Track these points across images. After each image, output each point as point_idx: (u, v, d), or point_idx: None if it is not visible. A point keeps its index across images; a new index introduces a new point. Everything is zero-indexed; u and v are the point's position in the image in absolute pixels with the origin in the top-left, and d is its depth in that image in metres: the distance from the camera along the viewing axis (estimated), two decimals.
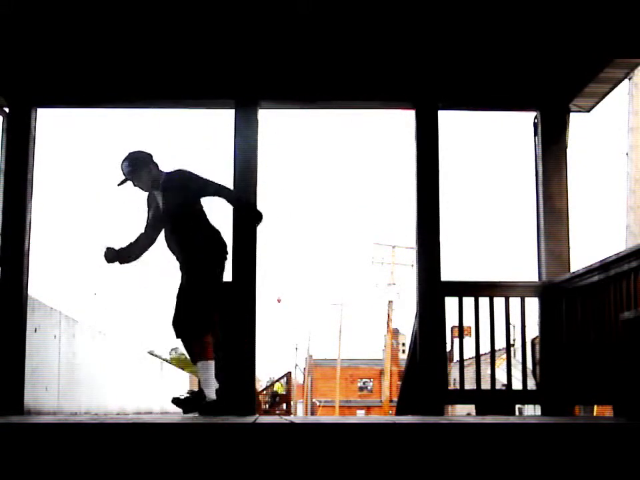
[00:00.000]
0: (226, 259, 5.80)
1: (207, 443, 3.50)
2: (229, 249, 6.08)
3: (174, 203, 5.71)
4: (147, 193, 5.94)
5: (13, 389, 6.31)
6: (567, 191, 6.74)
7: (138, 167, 5.76)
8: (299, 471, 3.48)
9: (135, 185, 5.84)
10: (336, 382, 47.22)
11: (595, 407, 14.87)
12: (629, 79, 12.22)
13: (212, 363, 5.55)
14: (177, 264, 5.85)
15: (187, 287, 5.64)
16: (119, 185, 5.81)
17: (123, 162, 5.82)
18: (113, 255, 5.77)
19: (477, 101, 6.93)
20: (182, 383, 24.66)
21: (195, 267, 5.65)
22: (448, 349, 7.07)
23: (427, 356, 6.49)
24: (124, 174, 5.80)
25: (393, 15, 6.22)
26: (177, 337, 5.66)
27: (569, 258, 6.64)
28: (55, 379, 9.94)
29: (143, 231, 5.96)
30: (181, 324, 5.62)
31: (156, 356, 29.71)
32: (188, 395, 5.54)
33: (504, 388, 6.80)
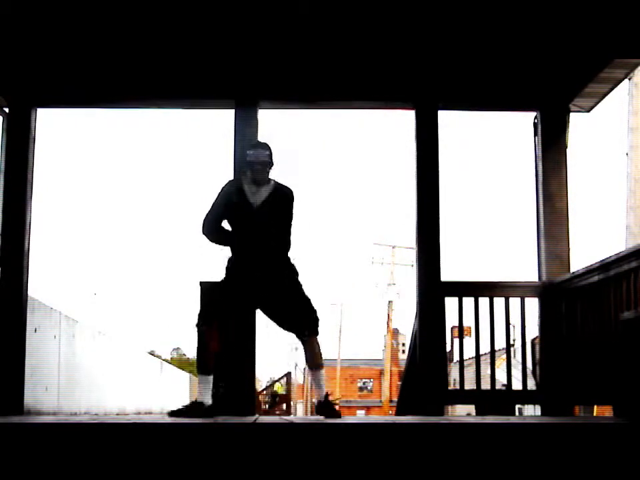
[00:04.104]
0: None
1: (207, 443, 3.50)
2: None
3: (273, 208, 5.50)
4: (230, 186, 5.61)
5: (13, 389, 6.31)
6: (566, 191, 6.73)
7: (271, 159, 5.53)
8: (299, 471, 3.48)
9: (253, 173, 5.50)
10: (336, 382, 47.22)
11: (595, 406, 14.86)
12: (629, 79, 12.20)
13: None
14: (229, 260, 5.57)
15: (271, 285, 5.43)
16: (246, 169, 5.53)
17: (257, 148, 5.53)
18: None
19: (477, 101, 6.93)
20: (182, 383, 24.67)
21: (274, 266, 5.47)
22: (448, 349, 7.07)
23: (427, 356, 6.49)
24: (256, 160, 5.46)
25: (393, 16, 6.22)
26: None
27: (568, 258, 6.63)
28: (54, 379, 9.95)
29: (216, 219, 5.59)
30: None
31: (156, 356, 29.73)
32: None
33: (504, 388, 6.80)
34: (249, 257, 5.48)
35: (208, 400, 5.35)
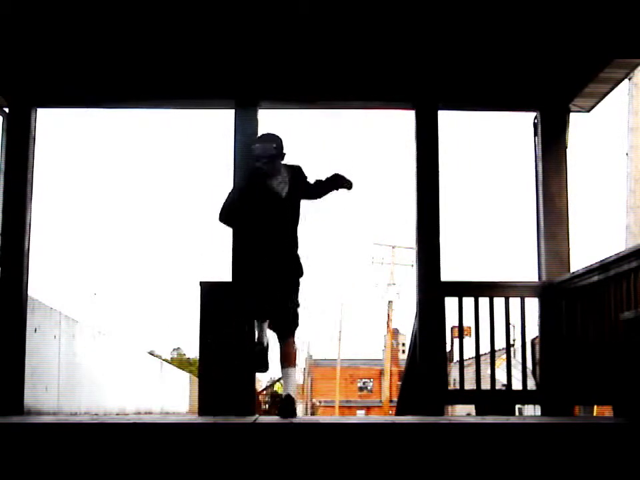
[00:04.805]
0: None
1: (207, 443, 3.50)
2: (230, 251, 6.24)
3: (295, 194, 5.51)
4: (250, 179, 5.63)
5: (13, 389, 6.31)
6: (566, 191, 6.74)
7: (281, 150, 5.45)
8: (299, 471, 3.48)
9: (262, 168, 5.44)
10: (336, 382, 47.20)
11: (595, 406, 14.86)
12: (629, 79, 12.20)
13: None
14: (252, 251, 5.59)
15: (284, 280, 5.46)
16: (257, 167, 5.45)
17: (263, 142, 5.46)
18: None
19: (477, 101, 6.93)
20: (182, 383, 24.65)
21: (293, 262, 5.53)
22: (448, 349, 7.07)
23: (427, 356, 6.49)
24: (263, 154, 5.40)
25: (392, 16, 6.22)
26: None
27: (568, 258, 6.64)
28: (54, 379, 9.94)
29: (230, 203, 5.64)
30: (281, 318, 5.50)
31: (156, 356, 29.71)
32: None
33: (504, 388, 6.80)
34: (271, 247, 5.48)
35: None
